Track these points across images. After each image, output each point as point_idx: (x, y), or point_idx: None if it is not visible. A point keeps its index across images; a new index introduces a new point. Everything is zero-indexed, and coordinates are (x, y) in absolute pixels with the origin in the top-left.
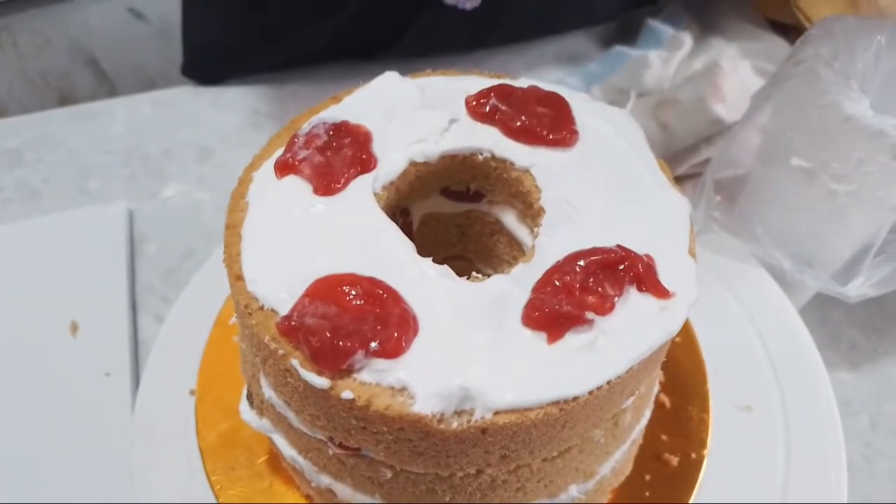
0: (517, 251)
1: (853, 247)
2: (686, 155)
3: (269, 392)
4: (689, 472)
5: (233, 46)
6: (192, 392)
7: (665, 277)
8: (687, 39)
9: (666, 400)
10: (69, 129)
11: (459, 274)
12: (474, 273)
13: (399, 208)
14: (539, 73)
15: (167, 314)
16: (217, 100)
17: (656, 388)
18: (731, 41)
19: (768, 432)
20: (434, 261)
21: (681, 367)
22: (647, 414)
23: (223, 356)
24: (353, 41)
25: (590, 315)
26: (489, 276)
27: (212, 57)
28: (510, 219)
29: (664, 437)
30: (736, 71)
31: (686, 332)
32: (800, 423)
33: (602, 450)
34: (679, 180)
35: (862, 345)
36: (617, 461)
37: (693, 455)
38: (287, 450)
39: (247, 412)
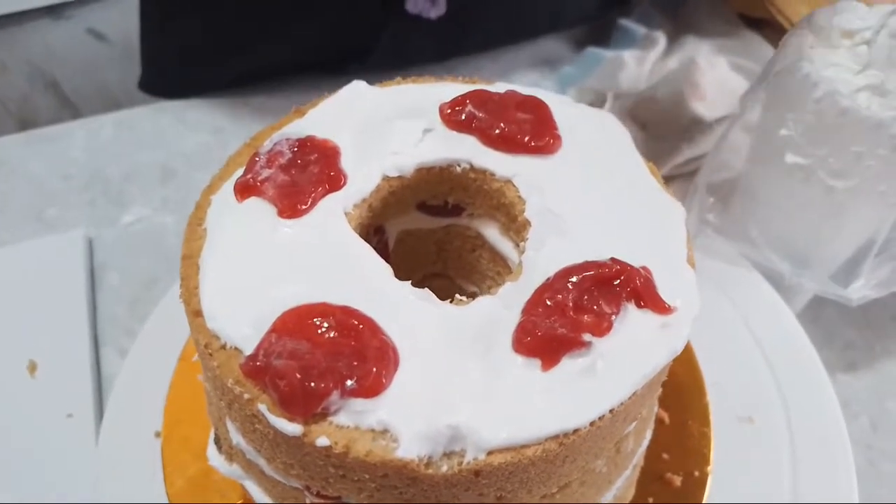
0: (501, 266)
1: (853, 246)
2: (667, 155)
3: (237, 438)
4: (693, 491)
5: (193, 59)
6: (157, 434)
7: (664, 290)
8: (660, 38)
9: (665, 416)
10: (26, 154)
11: (440, 293)
12: (457, 296)
13: (373, 227)
14: (512, 78)
15: (130, 348)
16: (179, 118)
17: (656, 407)
18: (705, 38)
19: (772, 444)
20: (413, 280)
21: (678, 380)
22: (649, 435)
23: (190, 393)
24: (319, 54)
25: (586, 337)
26: (473, 293)
27: (170, 70)
28: (492, 232)
29: (665, 456)
30: (713, 67)
31: None
32: (804, 433)
33: (604, 479)
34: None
35: (857, 343)
36: (619, 488)
37: (696, 473)
38: (261, 497)
39: (215, 457)
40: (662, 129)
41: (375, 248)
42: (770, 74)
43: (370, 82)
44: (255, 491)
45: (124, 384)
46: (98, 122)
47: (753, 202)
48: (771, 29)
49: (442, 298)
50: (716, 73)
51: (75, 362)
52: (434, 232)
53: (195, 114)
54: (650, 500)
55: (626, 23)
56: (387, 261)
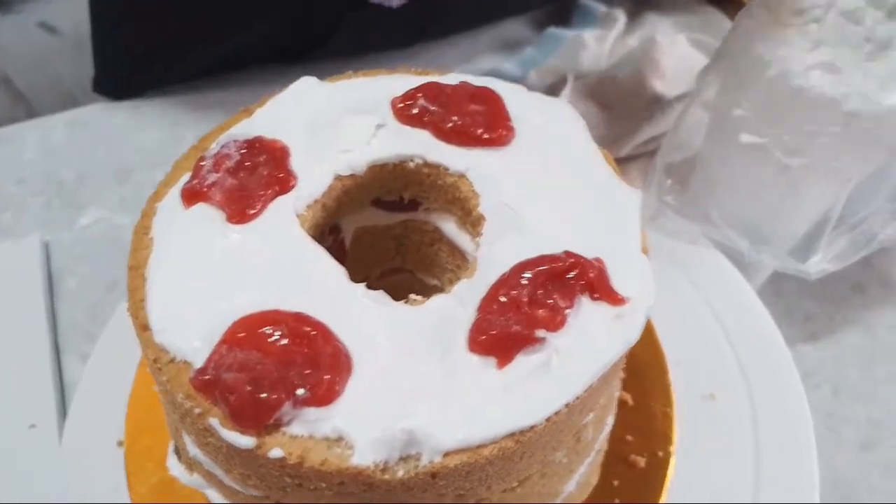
0: (460, 260)
1: (809, 221)
2: (628, 135)
3: (193, 450)
4: (657, 471)
5: (147, 58)
6: (119, 443)
7: (619, 281)
8: (620, 16)
9: (628, 398)
10: None
11: (402, 288)
12: (412, 295)
13: (328, 226)
14: (475, 62)
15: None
16: (134, 115)
17: (617, 391)
18: (666, 15)
19: (734, 419)
20: (374, 276)
21: (640, 362)
22: (610, 421)
23: (151, 400)
24: (277, 45)
25: (540, 333)
26: (434, 287)
27: (124, 69)
28: (450, 227)
29: (629, 438)
30: (673, 45)
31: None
32: (766, 407)
33: (565, 469)
34: (624, 162)
35: (817, 315)
36: (582, 475)
37: (660, 453)
38: None
39: (175, 467)
40: (623, 109)
41: (331, 248)
42: (723, 54)
43: (331, 71)
44: (217, 498)
45: (85, 393)
46: (50, 123)
47: (711, 181)
48: (732, 4)
49: (404, 293)
50: (675, 51)
51: (36, 371)
52: (391, 227)
53: (150, 110)
54: (615, 482)
55: (585, 1)
56: (344, 259)
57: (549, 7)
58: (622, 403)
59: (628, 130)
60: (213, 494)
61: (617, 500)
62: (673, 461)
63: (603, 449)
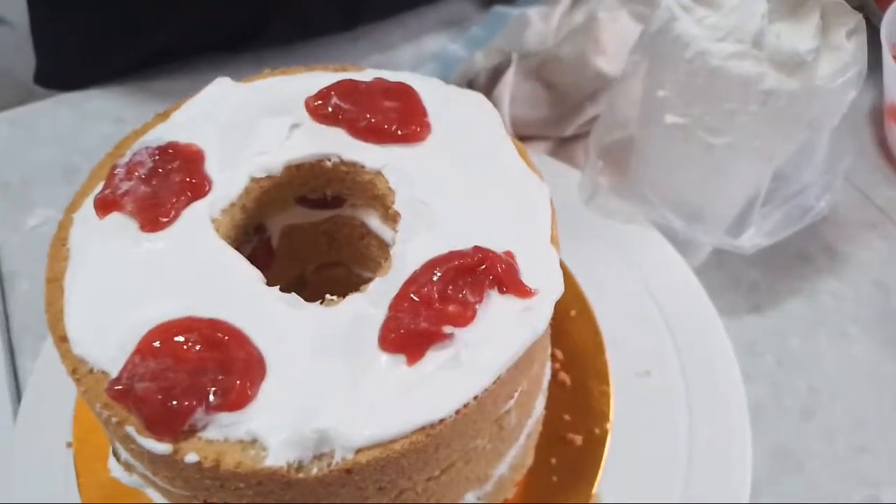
0: (388, 252)
1: (740, 200)
2: (572, 114)
3: (124, 454)
4: (594, 448)
5: (86, 47)
6: (68, 444)
7: (528, 273)
8: None
9: (566, 378)
10: None
11: (338, 281)
12: (328, 296)
13: (251, 226)
14: (421, 41)
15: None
16: (78, 111)
17: (547, 375)
18: None
19: (669, 395)
20: (309, 271)
21: (578, 343)
22: (539, 406)
23: None
24: (218, 32)
25: (448, 329)
26: (369, 277)
27: (65, 61)
28: (375, 222)
29: (567, 417)
30: (614, 21)
31: (581, 304)
32: (699, 381)
33: (492, 454)
34: (570, 141)
35: (761, 285)
36: (514, 456)
37: (597, 430)
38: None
39: (115, 468)
40: (567, 88)
41: (257, 248)
42: (647, 35)
43: (273, 57)
44: (157, 497)
45: (34, 395)
46: None
47: (644, 162)
48: None
49: (341, 286)
50: (617, 27)
51: None
52: (320, 224)
53: (94, 105)
54: (553, 460)
55: None
56: (272, 258)
57: None
58: (560, 384)
59: (572, 109)
60: (152, 494)
61: (555, 478)
62: (609, 438)
63: (537, 431)
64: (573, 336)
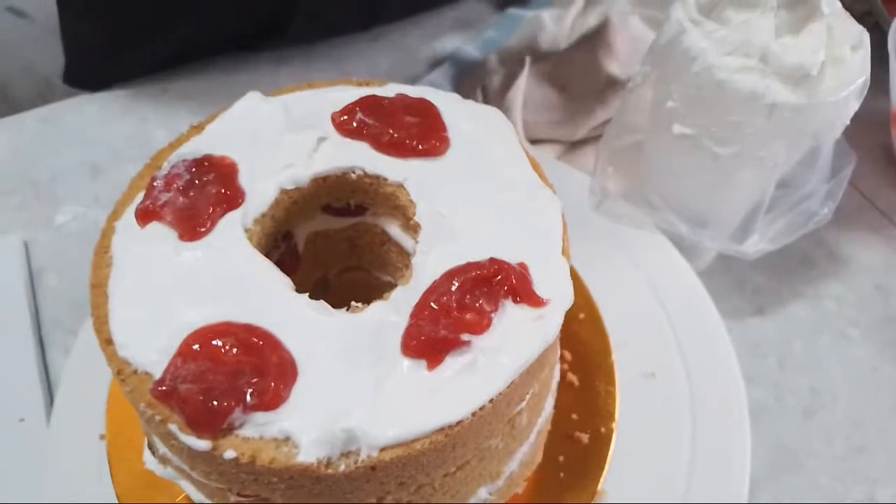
0: (408, 259)
1: (745, 207)
2: (583, 117)
3: (162, 448)
4: (599, 446)
5: (114, 48)
6: (101, 437)
7: (540, 283)
8: None
9: (574, 379)
10: None
11: (359, 284)
12: (353, 303)
13: (280, 234)
14: (438, 42)
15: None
16: (103, 110)
17: (557, 377)
18: None
19: (673, 396)
20: (332, 273)
21: (586, 345)
22: (548, 406)
23: None
24: (238, 33)
25: (466, 337)
26: (388, 281)
27: (93, 62)
28: (395, 230)
29: (574, 416)
30: (626, 26)
31: (590, 307)
32: (702, 383)
33: (504, 452)
34: (581, 144)
35: (765, 288)
36: (524, 454)
37: (603, 429)
38: (195, 495)
39: (151, 461)
40: (579, 91)
41: (285, 253)
42: (656, 47)
43: (288, 56)
44: (191, 489)
45: (68, 388)
46: (20, 121)
47: (652, 168)
48: None
49: (361, 289)
50: (629, 31)
51: (23, 367)
52: (343, 230)
53: (119, 104)
54: (560, 457)
55: None
56: (298, 263)
57: None
58: (569, 385)
59: (583, 113)
60: (185, 485)
61: (562, 474)
62: (614, 436)
63: (546, 429)
64: (582, 338)
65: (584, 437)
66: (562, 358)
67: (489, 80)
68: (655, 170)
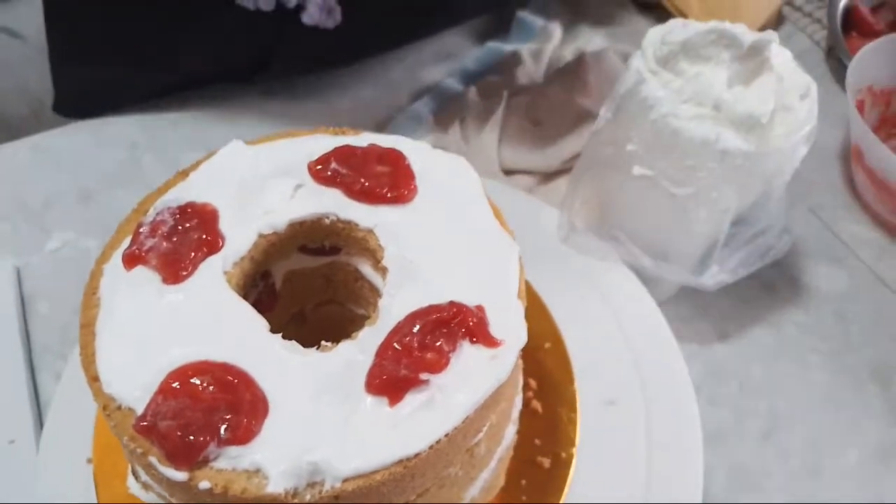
0: (378, 296)
1: (702, 242)
2: (557, 150)
3: (144, 476)
4: (560, 470)
5: (103, 81)
6: (88, 460)
7: (496, 325)
8: (556, 30)
9: (538, 406)
10: None
11: (335, 317)
12: (323, 342)
13: (259, 273)
14: (419, 76)
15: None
16: (94, 136)
17: (518, 406)
18: (598, 27)
19: (631, 422)
20: (308, 307)
21: (551, 373)
22: (509, 434)
23: None
24: (227, 66)
25: (424, 376)
26: (361, 314)
27: (81, 95)
28: (367, 269)
29: (537, 442)
30: (599, 62)
31: (555, 337)
32: (659, 411)
33: (464, 479)
34: (554, 176)
35: (731, 313)
36: (485, 479)
37: (563, 454)
38: None
39: (134, 486)
40: (553, 125)
41: (263, 292)
42: (618, 93)
43: (277, 89)
44: None
45: (57, 412)
46: (13, 148)
47: (615, 205)
48: (661, 13)
49: (336, 322)
50: (603, 67)
51: (14, 390)
52: (319, 268)
53: (110, 130)
54: (523, 481)
55: (523, 15)
56: (276, 300)
57: (489, 17)
58: (533, 412)
59: (557, 146)
60: None
61: (524, 498)
62: (575, 461)
63: (508, 456)
64: (547, 367)
65: (546, 462)
66: (527, 386)
67: (468, 112)
68: (618, 206)
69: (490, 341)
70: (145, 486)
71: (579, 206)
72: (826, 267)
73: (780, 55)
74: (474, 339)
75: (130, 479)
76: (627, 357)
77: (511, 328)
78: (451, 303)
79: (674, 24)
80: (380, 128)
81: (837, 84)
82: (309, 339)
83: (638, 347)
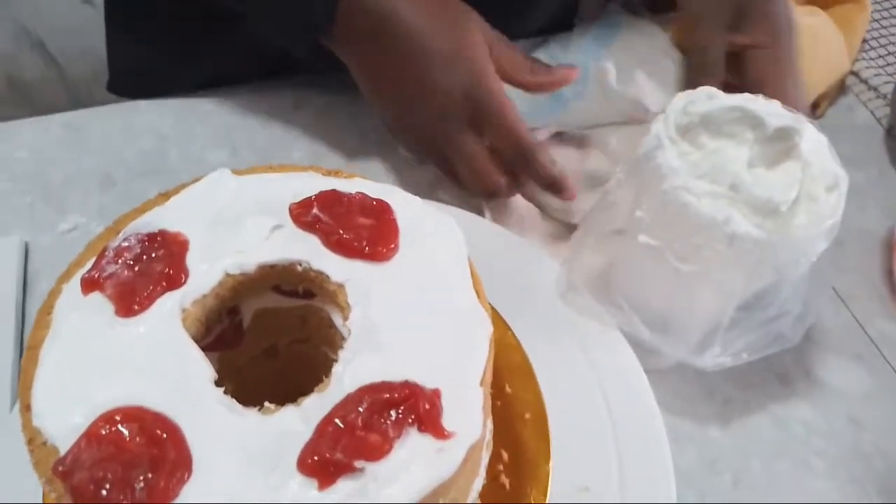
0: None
1: (706, 321)
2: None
3: None
4: None
5: (157, 67)
6: None
7: (450, 414)
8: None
9: (507, 482)
10: None
11: (307, 357)
12: (266, 403)
13: (226, 309)
14: None
15: None
16: (127, 122)
17: (477, 487)
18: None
19: None
20: (282, 343)
21: (526, 448)
22: None
23: None
24: (261, 63)
25: (360, 463)
26: (334, 359)
27: (138, 76)
28: (339, 320)
29: None
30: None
31: (537, 406)
32: (634, 500)
33: None
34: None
35: (736, 399)
36: None
37: None
38: None
39: None
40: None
41: (227, 329)
42: (634, 158)
43: (309, 84)
44: None
45: None
46: (46, 123)
47: (618, 270)
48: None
49: (308, 364)
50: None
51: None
52: (294, 309)
53: (143, 119)
54: None
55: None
56: (241, 337)
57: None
58: (500, 487)
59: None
60: None
61: None
62: None
63: None
64: (523, 440)
65: None
66: (499, 458)
67: None
68: (622, 271)
69: (439, 432)
70: None
71: (582, 265)
72: (847, 363)
73: (813, 140)
74: (423, 428)
75: None
76: (609, 440)
77: (466, 419)
78: (406, 383)
79: (699, 93)
80: None
81: (893, 167)
82: (279, 374)
83: (621, 429)
